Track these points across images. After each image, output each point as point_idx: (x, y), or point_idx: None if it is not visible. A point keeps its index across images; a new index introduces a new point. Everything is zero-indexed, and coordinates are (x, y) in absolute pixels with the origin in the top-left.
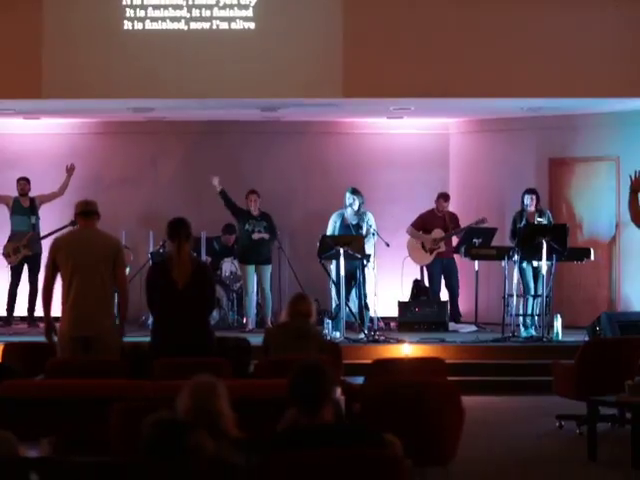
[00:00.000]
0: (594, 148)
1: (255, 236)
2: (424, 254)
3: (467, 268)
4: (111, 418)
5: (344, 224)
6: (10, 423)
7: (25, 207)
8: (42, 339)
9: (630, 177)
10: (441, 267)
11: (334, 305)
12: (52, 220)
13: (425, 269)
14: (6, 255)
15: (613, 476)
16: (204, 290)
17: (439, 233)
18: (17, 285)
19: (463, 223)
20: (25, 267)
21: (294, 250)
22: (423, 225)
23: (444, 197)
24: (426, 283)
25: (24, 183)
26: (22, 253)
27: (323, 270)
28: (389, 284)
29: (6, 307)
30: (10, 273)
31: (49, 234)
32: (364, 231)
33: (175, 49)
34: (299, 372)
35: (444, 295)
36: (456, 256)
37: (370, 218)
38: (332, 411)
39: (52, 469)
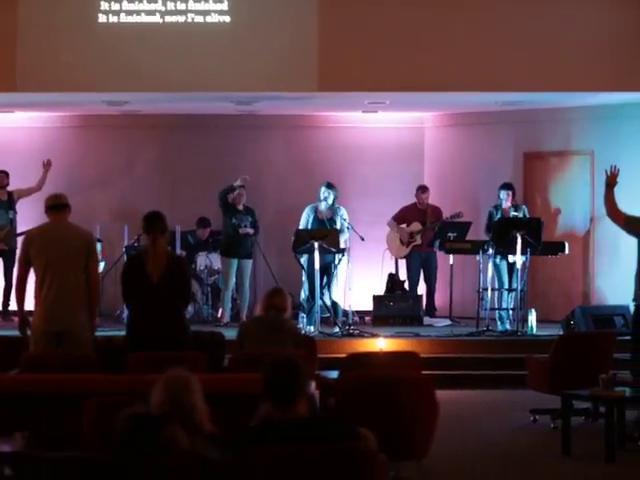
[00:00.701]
0: (569, 142)
1: (242, 230)
2: (400, 247)
3: (442, 262)
4: (85, 412)
5: (318, 218)
6: None
7: (3, 200)
8: (16, 333)
9: (605, 172)
10: (420, 261)
11: (303, 297)
12: (29, 215)
13: (405, 263)
14: None
15: (587, 470)
16: (179, 284)
17: (416, 226)
18: None
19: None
20: (0, 261)
21: (269, 244)
22: (404, 218)
23: (421, 189)
24: (402, 277)
25: (2, 176)
26: None
27: (297, 264)
28: (364, 278)
29: None
30: None
31: (27, 231)
32: (338, 225)
33: (150, 42)
34: (273, 366)
35: (422, 289)
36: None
37: (344, 213)
38: (306, 405)
39: (25, 464)
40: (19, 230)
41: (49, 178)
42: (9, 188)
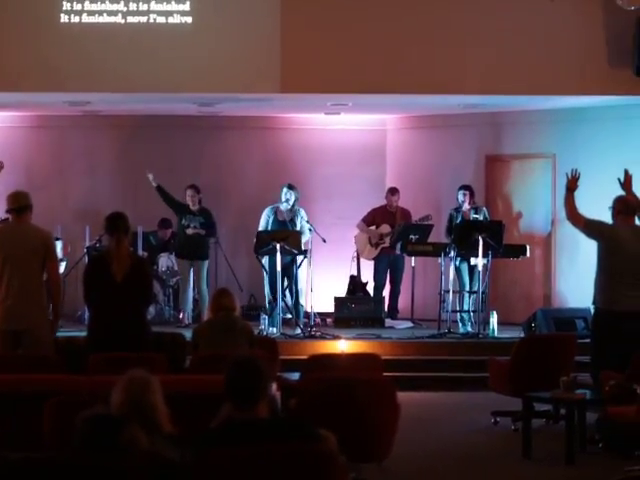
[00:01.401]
0: (530, 145)
1: (189, 231)
2: (370, 248)
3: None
4: (46, 413)
5: (278, 219)
6: None
7: None
8: None
9: (566, 175)
10: (387, 263)
11: (267, 300)
12: None
13: (373, 264)
14: None
15: (547, 472)
16: (142, 285)
17: (385, 228)
18: None
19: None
20: None
21: (230, 245)
22: (373, 220)
23: (391, 191)
24: (363, 279)
25: None
26: None
27: (259, 265)
28: (326, 280)
29: None
30: None
31: None
32: (298, 227)
33: (112, 43)
34: (234, 367)
35: (385, 291)
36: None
37: (304, 214)
38: (267, 406)
39: None
40: None
41: (8, 179)
42: None
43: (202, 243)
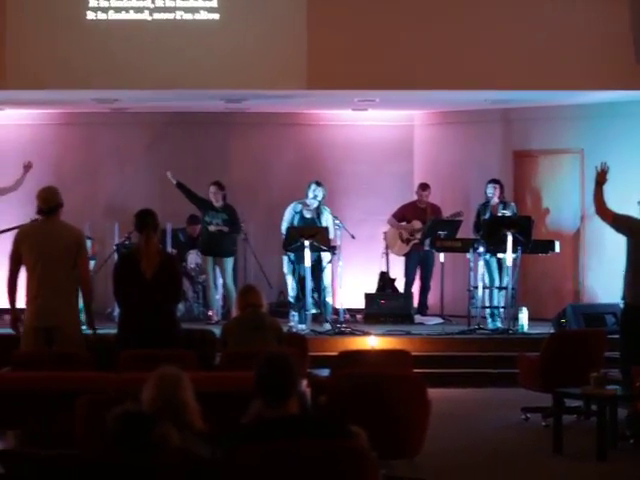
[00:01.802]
0: (558, 140)
1: (212, 228)
2: (401, 244)
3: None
4: (77, 410)
5: (304, 216)
6: None
7: None
8: (7, 331)
9: (595, 168)
10: (418, 259)
11: (291, 295)
12: (10, 213)
13: (404, 260)
14: None
15: (579, 468)
16: (171, 282)
17: (417, 224)
18: None
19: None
20: None
21: (259, 242)
22: (404, 216)
23: (422, 187)
24: (392, 275)
25: None
26: None
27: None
28: (355, 276)
29: None
30: None
31: (6, 230)
32: (323, 224)
33: (139, 40)
34: (265, 363)
35: (415, 287)
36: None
37: (329, 212)
38: (297, 403)
39: (17, 462)
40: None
41: (38, 177)
42: None
43: (226, 240)
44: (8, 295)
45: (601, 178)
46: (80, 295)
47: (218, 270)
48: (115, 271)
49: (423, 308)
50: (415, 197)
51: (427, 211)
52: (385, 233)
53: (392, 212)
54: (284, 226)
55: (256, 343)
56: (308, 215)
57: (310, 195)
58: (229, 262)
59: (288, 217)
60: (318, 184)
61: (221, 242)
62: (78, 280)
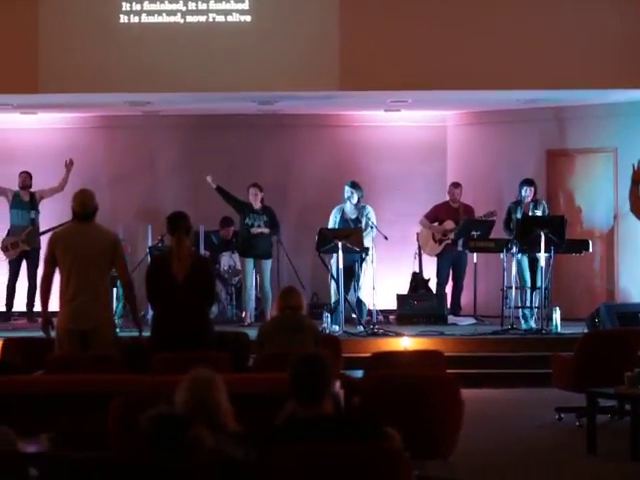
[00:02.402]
0: (592, 139)
1: (254, 230)
2: (433, 244)
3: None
4: (110, 413)
5: (344, 218)
6: (9, 418)
7: (25, 201)
8: (41, 334)
9: (633, 166)
10: (451, 259)
11: (333, 299)
12: (51, 215)
13: (436, 261)
14: (4, 249)
15: (612, 468)
16: (204, 284)
17: (450, 224)
18: (15, 280)
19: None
20: (24, 262)
21: (292, 244)
22: (436, 216)
23: (454, 185)
24: (425, 276)
25: (25, 176)
26: (21, 248)
27: (322, 264)
28: (388, 277)
29: (5, 302)
30: (8, 267)
31: (48, 230)
32: (363, 224)
33: (171, 43)
34: (299, 363)
35: (448, 287)
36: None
37: (370, 212)
38: (331, 404)
39: (51, 464)
40: (41, 230)
41: (72, 180)
42: (32, 189)
43: (266, 242)
44: (41, 297)
45: (637, 176)
46: (114, 297)
47: (254, 272)
48: (147, 274)
49: (456, 308)
50: (447, 197)
51: (460, 211)
52: (418, 234)
53: (424, 213)
54: None
55: (293, 345)
56: (348, 216)
57: (345, 196)
58: (268, 264)
59: (331, 222)
60: (352, 185)
61: (261, 244)
62: (120, 282)
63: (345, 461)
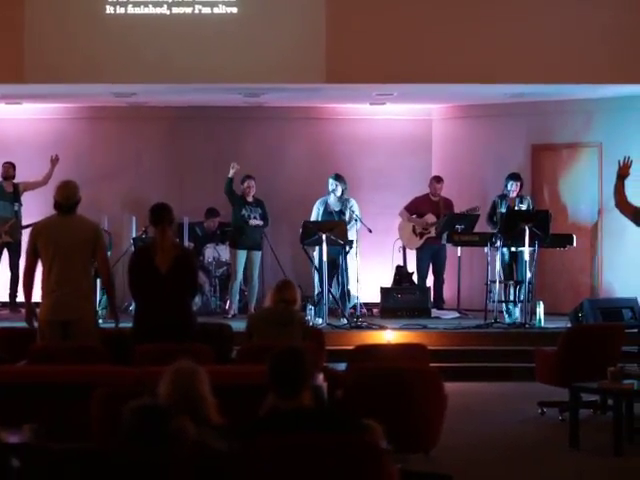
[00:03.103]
0: (577, 134)
1: (252, 222)
2: (414, 238)
3: (450, 254)
4: (93, 404)
5: (327, 210)
6: None
7: (8, 192)
8: (24, 325)
9: (618, 162)
10: (430, 253)
11: (316, 291)
12: (34, 208)
13: (415, 254)
14: None
15: (595, 463)
16: (187, 275)
17: (431, 218)
18: None
19: (456, 210)
20: (4, 253)
21: (277, 236)
22: (416, 209)
23: (436, 179)
24: (409, 269)
25: (8, 167)
26: (3, 239)
27: (306, 256)
28: (372, 270)
29: None
30: None
31: (31, 224)
32: (347, 217)
33: (157, 34)
34: (277, 356)
35: (429, 281)
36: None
37: (354, 204)
38: (311, 396)
39: (33, 455)
40: (24, 223)
41: (56, 170)
42: (15, 180)
43: (259, 234)
44: (24, 289)
45: (624, 172)
46: (99, 288)
47: (244, 264)
48: (130, 265)
49: (439, 302)
50: (428, 190)
51: (440, 205)
52: (399, 226)
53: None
54: None
55: (281, 338)
56: (330, 209)
57: (329, 189)
58: (259, 255)
59: (314, 214)
60: (336, 178)
61: (255, 236)
62: (99, 273)
63: (326, 454)
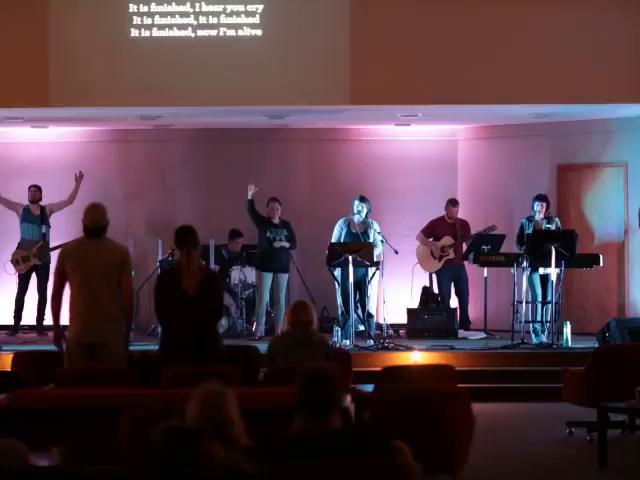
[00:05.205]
0: (602, 154)
1: (277, 244)
2: (433, 261)
3: (476, 275)
4: (121, 427)
5: (351, 231)
6: (20, 432)
7: (36, 215)
8: (52, 347)
9: None
10: (450, 274)
11: (339, 313)
12: (61, 229)
13: (435, 276)
14: (15, 263)
15: None
16: (213, 298)
17: (448, 240)
18: (24, 293)
19: (473, 230)
20: (34, 276)
21: (303, 258)
22: (433, 232)
23: (452, 202)
24: (436, 290)
25: (35, 190)
26: (32, 262)
27: (332, 278)
28: (398, 291)
29: (14, 315)
30: (18, 281)
31: (60, 246)
32: (371, 239)
33: (182, 57)
34: (307, 378)
35: (454, 302)
36: (465, 262)
37: (377, 226)
38: (340, 418)
39: (62, 478)
40: (52, 244)
41: (83, 193)
42: (42, 203)
43: (285, 255)
44: (52, 311)
45: None
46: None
47: (270, 286)
48: (156, 288)
49: (465, 323)
50: (444, 212)
51: (456, 226)
52: (417, 249)
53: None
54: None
55: (304, 360)
56: (354, 230)
57: (354, 210)
58: (285, 278)
59: (336, 234)
60: (362, 199)
61: (282, 258)
62: (122, 297)
63: (355, 476)
